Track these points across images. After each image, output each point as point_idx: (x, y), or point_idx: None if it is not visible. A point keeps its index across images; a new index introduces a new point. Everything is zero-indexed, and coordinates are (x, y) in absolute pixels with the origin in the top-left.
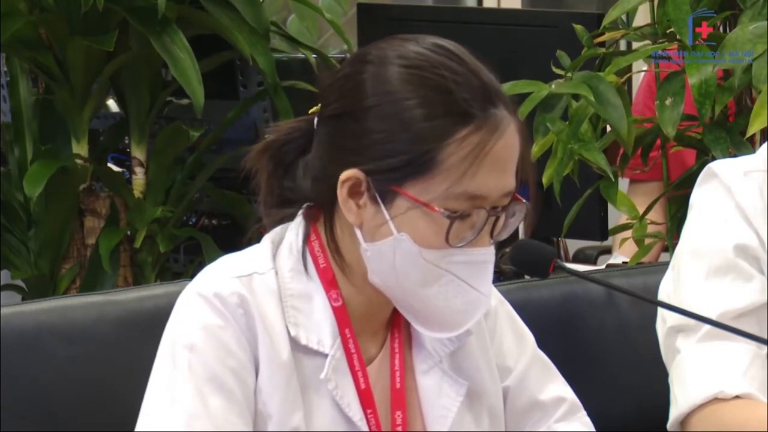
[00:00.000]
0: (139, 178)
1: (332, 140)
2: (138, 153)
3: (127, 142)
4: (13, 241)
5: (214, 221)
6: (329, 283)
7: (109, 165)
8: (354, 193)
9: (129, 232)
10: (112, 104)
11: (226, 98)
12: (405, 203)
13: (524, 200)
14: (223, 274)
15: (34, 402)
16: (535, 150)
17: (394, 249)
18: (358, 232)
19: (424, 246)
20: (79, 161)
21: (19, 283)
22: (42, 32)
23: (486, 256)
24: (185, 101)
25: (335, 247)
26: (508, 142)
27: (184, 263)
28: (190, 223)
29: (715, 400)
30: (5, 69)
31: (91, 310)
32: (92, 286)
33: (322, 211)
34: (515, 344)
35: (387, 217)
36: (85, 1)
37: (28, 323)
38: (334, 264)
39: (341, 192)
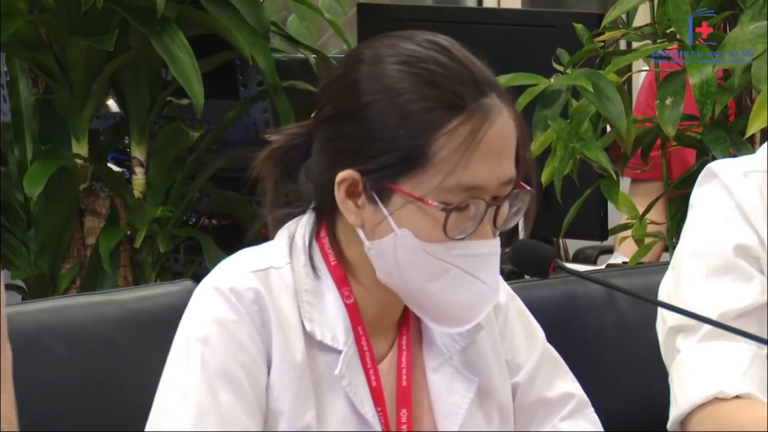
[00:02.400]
0: (139, 178)
1: (327, 143)
2: (138, 153)
3: (127, 142)
4: (13, 241)
5: (214, 221)
6: (341, 281)
7: (109, 165)
8: (352, 193)
9: (129, 232)
10: (112, 104)
11: (226, 98)
12: (401, 199)
13: (528, 188)
14: (240, 269)
15: (34, 402)
16: (535, 148)
17: (396, 245)
18: (360, 232)
19: (426, 240)
20: (79, 161)
21: (19, 283)
22: (42, 32)
23: (490, 248)
24: (185, 101)
25: (339, 249)
26: (501, 129)
27: (184, 263)
28: (190, 223)
29: (715, 400)
30: (5, 69)
31: (91, 310)
32: (92, 286)
33: (324, 215)
34: (525, 341)
35: (386, 214)
36: (85, 1)
37: (28, 323)
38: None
39: (339, 194)
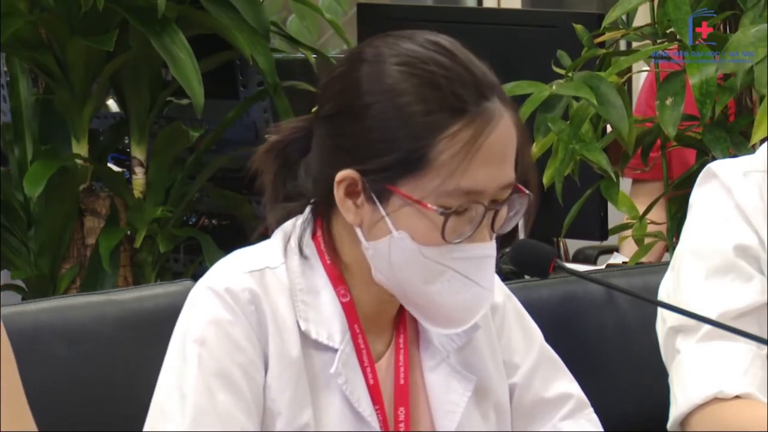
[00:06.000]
0: (139, 178)
1: (328, 141)
2: (138, 153)
3: (127, 142)
4: (13, 241)
5: (214, 221)
6: (336, 279)
7: (109, 165)
8: (351, 193)
9: (129, 232)
10: (112, 104)
11: (226, 98)
12: (399, 201)
13: (527, 192)
14: (236, 269)
15: (34, 402)
16: (536, 150)
17: (392, 248)
18: (358, 231)
19: (423, 243)
20: (79, 161)
21: (19, 283)
22: (42, 32)
23: (487, 250)
24: (185, 101)
25: (333, 248)
26: (503, 133)
27: (184, 263)
28: (190, 223)
29: (715, 400)
30: (5, 69)
31: (91, 310)
32: (92, 286)
33: (321, 212)
34: (523, 341)
35: (384, 215)
36: (85, 1)
37: (28, 323)
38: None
39: (338, 193)
